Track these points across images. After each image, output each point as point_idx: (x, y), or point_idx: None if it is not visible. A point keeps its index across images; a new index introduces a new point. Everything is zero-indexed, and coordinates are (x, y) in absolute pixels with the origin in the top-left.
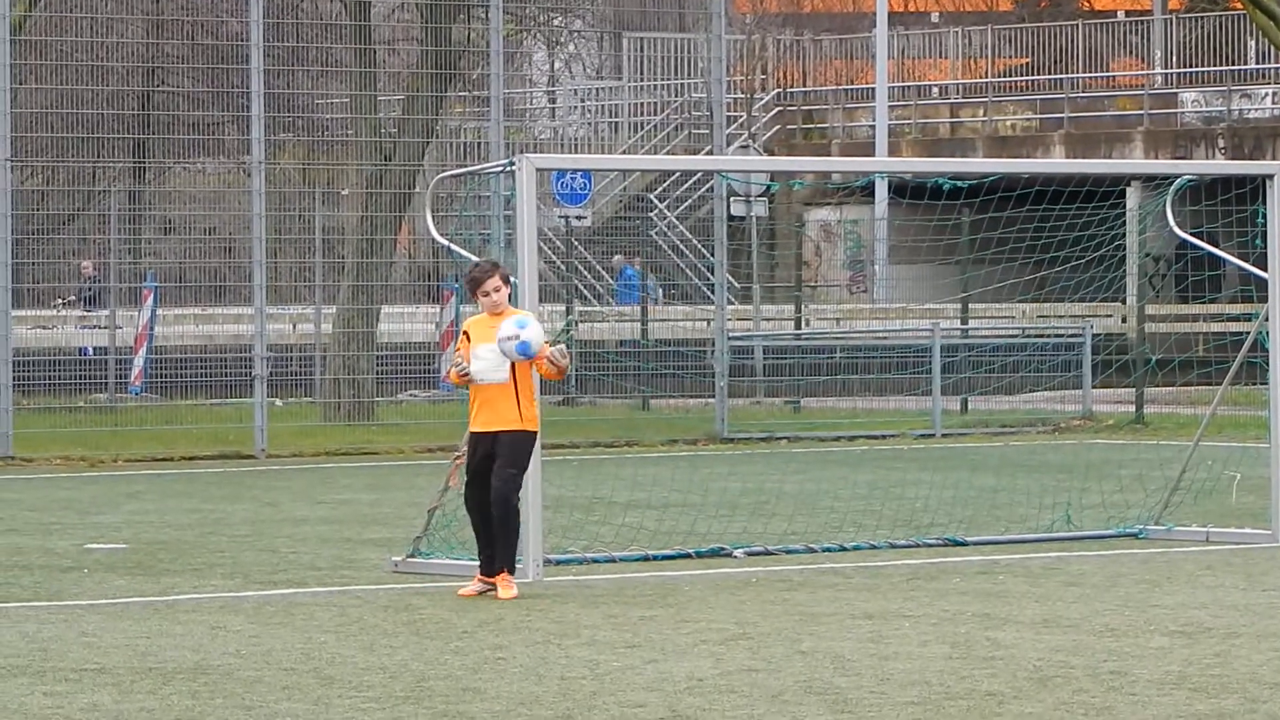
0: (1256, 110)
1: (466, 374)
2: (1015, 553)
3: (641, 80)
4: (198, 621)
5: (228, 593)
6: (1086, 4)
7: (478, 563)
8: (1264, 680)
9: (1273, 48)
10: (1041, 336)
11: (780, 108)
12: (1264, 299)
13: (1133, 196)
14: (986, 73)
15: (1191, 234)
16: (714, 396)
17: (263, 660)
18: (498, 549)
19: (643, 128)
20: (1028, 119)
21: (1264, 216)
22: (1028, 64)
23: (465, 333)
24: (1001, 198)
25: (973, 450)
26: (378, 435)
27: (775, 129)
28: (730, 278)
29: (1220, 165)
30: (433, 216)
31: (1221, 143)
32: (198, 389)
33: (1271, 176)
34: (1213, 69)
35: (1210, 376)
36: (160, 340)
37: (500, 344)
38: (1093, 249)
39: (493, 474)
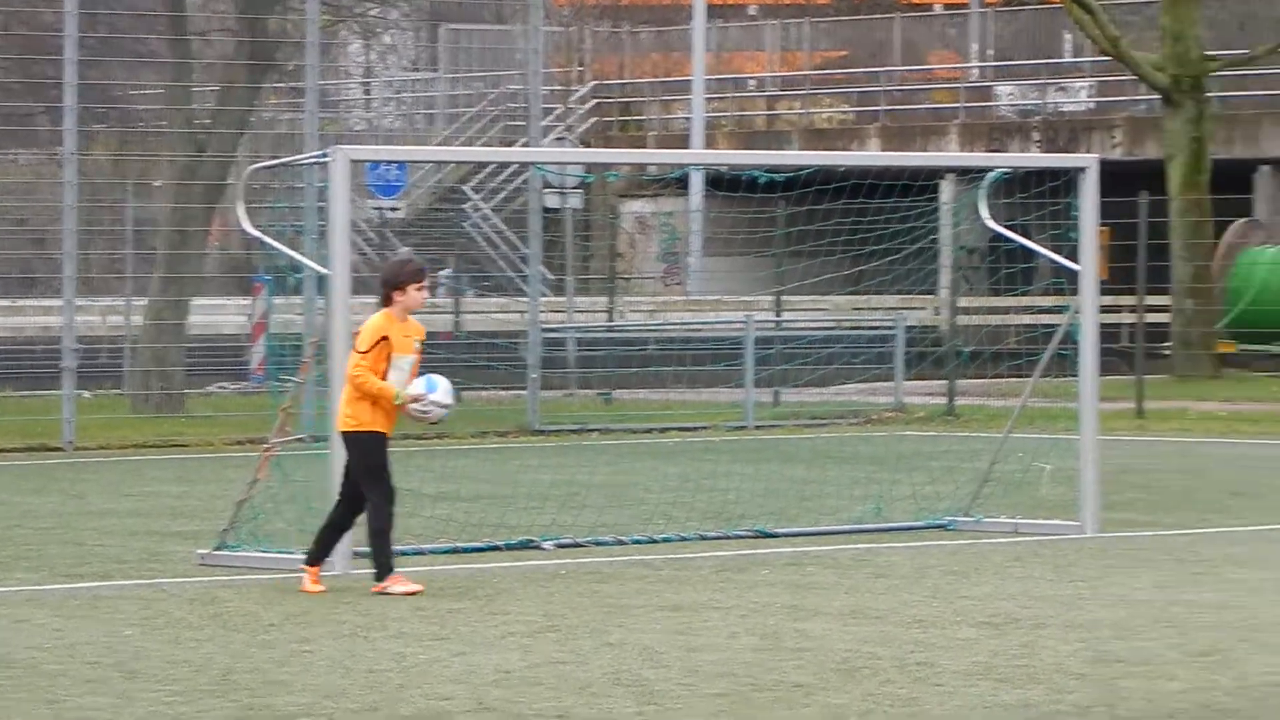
0: (1071, 104)
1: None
2: (824, 544)
3: (458, 72)
4: (1, 615)
5: (32, 586)
6: None
7: (291, 556)
8: (1070, 671)
9: (1088, 41)
10: (855, 329)
11: (597, 100)
12: (1075, 292)
13: (947, 189)
14: (804, 65)
15: (1005, 227)
16: (526, 389)
17: (67, 654)
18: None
19: (458, 119)
20: (844, 112)
21: (1077, 210)
22: (845, 57)
23: (385, 337)
24: (817, 191)
25: (784, 442)
26: (187, 428)
27: (592, 121)
28: (544, 270)
29: (1034, 158)
30: (245, 208)
31: (1036, 136)
32: (5, 381)
33: (1085, 170)
34: (1028, 62)
35: (1021, 369)
36: None
37: (433, 404)
38: (907, 242)
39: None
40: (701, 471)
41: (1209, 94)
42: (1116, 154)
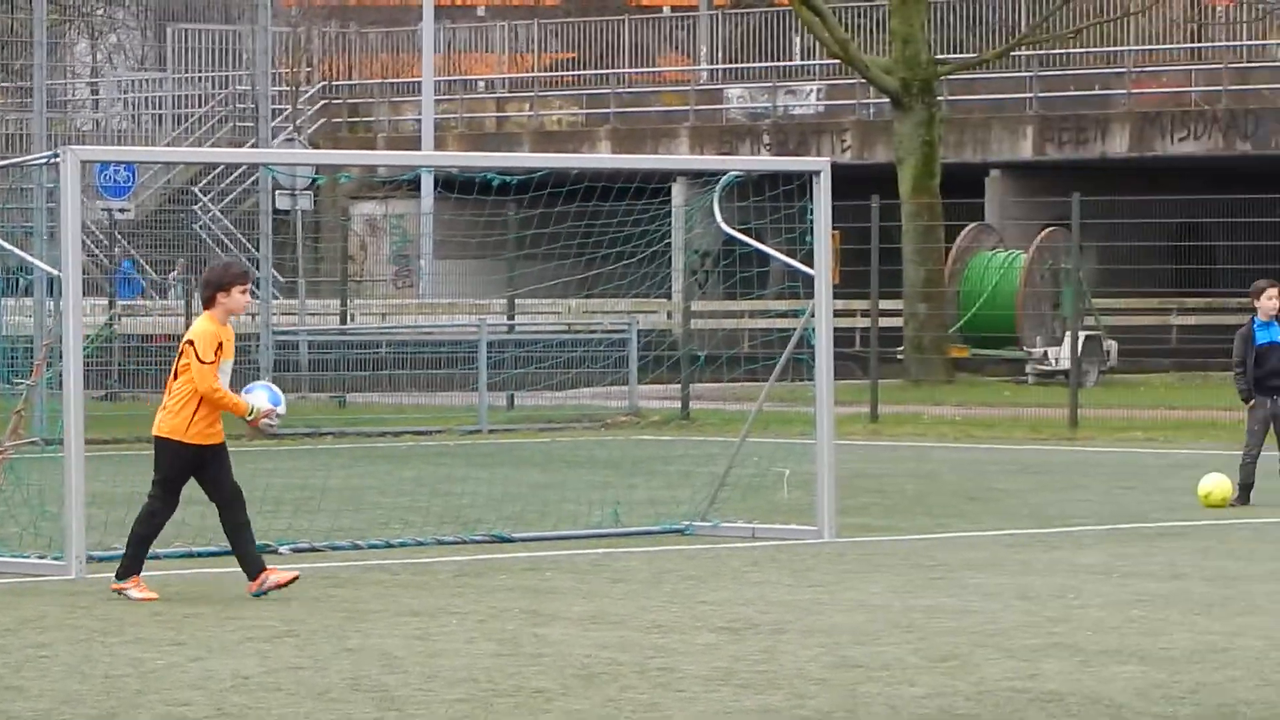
0: (801, 107)
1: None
2: (563, 549)
3: (186, 72)
4: None
5: None
6: None
7: (26, 560)
8: (810, 676)
9: (817, 44)
10: (588, 332)
11: (326, 101)
12: (810, 296)
13: (679, 192)
14: (533, 67)
15: (739, 230)
16: None
17: None
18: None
19: (187, 120)
20: (574, 114)
21: (811, 213)
22: (574, 59)
23: (222, 344)
24: (550, 193)
25: (519, 446)
26: None
27: (321, 122)
28: (275, 272)
29: (768, 162)
30: None
31: (766, 139)
32: None
33: (818, 173)
34: (758, 65)
35: (756, 373)
36: None
37: (271, 419)
38: (641, 245)
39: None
40: (437, 476)
41: (939, 97)
42: (847, 158)
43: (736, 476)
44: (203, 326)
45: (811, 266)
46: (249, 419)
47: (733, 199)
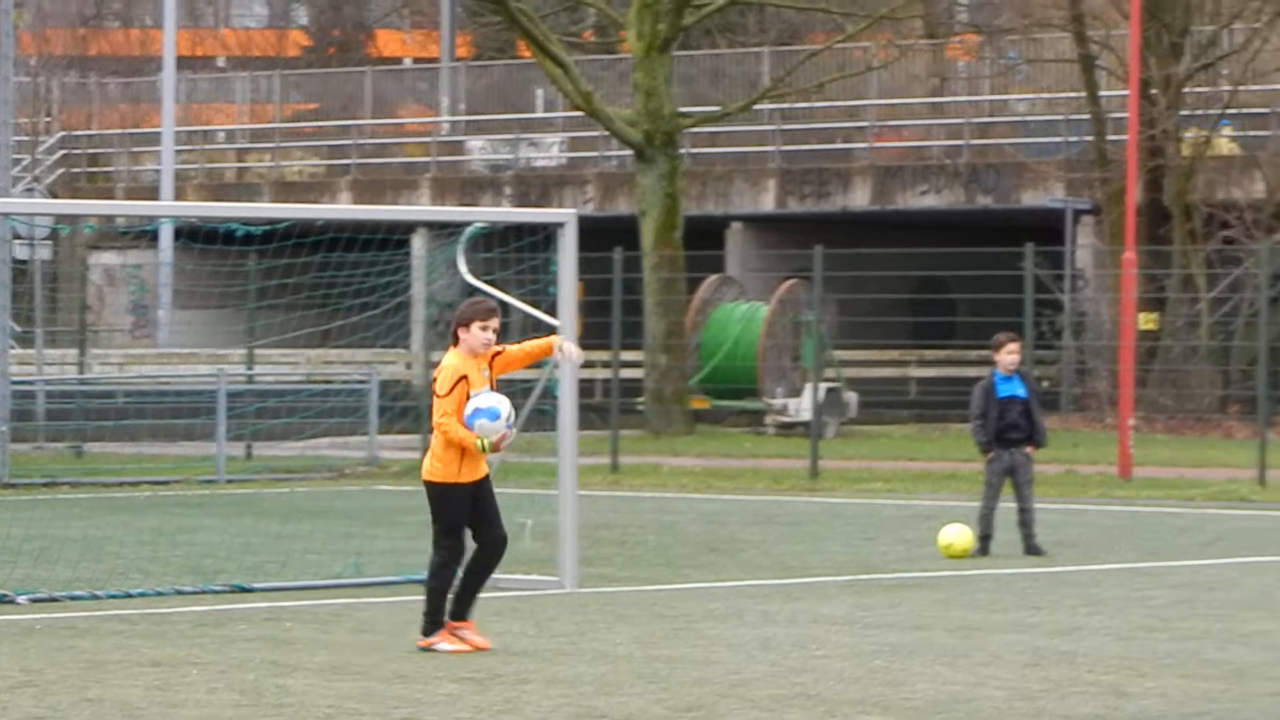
0: (543, 159)
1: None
2: (304, 599)
3: None
4: None
5: None
6: (375, 51)
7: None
8: None
9: (560, 96)
10: (328, 382)
11: (65, 150)
12: None
13: (419, 244)
14: (274, 118)
15: (483, 281)
16: None
17: None
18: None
19: None
20: (315, 164)
21: (555, 264)
22: (316, 109)
23: (464, 377)
24: (291, 244)
25: (258, 496)
26: None
27: (60, 172)
28: (12, 322)
29: (517, 213)
30: None
31: (508, 190)
32: None
33: (563, 225)
34: (500, 117)
35: None
36: None
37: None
38: (384, 296)
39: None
40: (175, 525)
41: (681, 150)
42: (589, 209)
43: None
44: (445, 361)
45: (555, 318)
46: (482, 450)
47: (477, 250)
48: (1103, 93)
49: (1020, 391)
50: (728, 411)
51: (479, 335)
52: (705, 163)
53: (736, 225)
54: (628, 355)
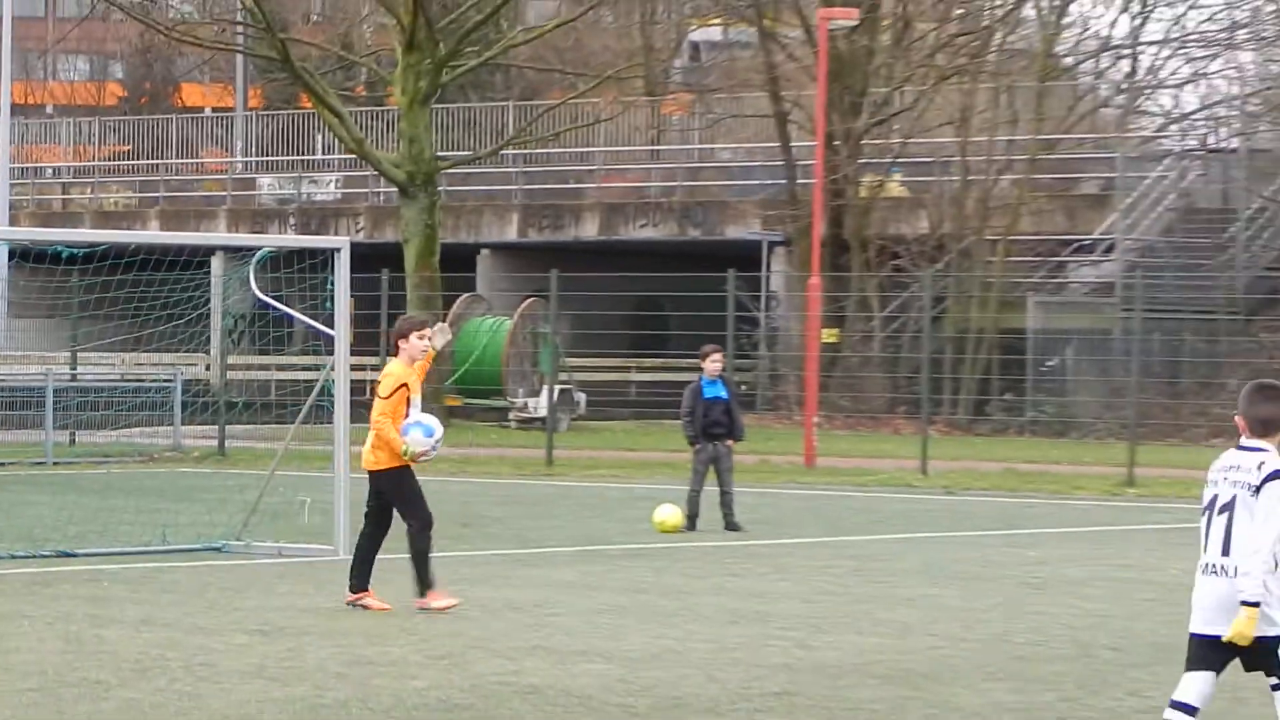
0: (322, 194)
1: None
2: (118, 563)
3: None
4: None
5: None
6: (179, 101)
7: None
8: (330, 671)
9: (337, 140)
10: (140, 381)
11: None
12: (330, 353)
13: (217, 265)
14: (94, 157)
15: (270, 297)
16: None
17: None
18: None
19: None
20: (129, 197)
21: (332, 284)
22: (129, 150)
23: (405, 384)
24: (109, 264)
25: (80, 476)
26: None
27: None
28: None
29: (298, 240)
30: None
31: (293, 220)
32: None
33: (339, 250)
34: (286, 158)
35: (285, 417)
36: None
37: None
38: (187, 309)
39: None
40: (9, 500)
41: (439, 188)
42: (360, 237)
43: (266, 504)
44: (389, 368)
45: (332, 329)
46: (406, 457)
47: (266, 271)
48: (794, 143)
49: (723, 393)
50: (477, 408)
51: (416, 344)
52: (459, 199)
53: (486, 252)
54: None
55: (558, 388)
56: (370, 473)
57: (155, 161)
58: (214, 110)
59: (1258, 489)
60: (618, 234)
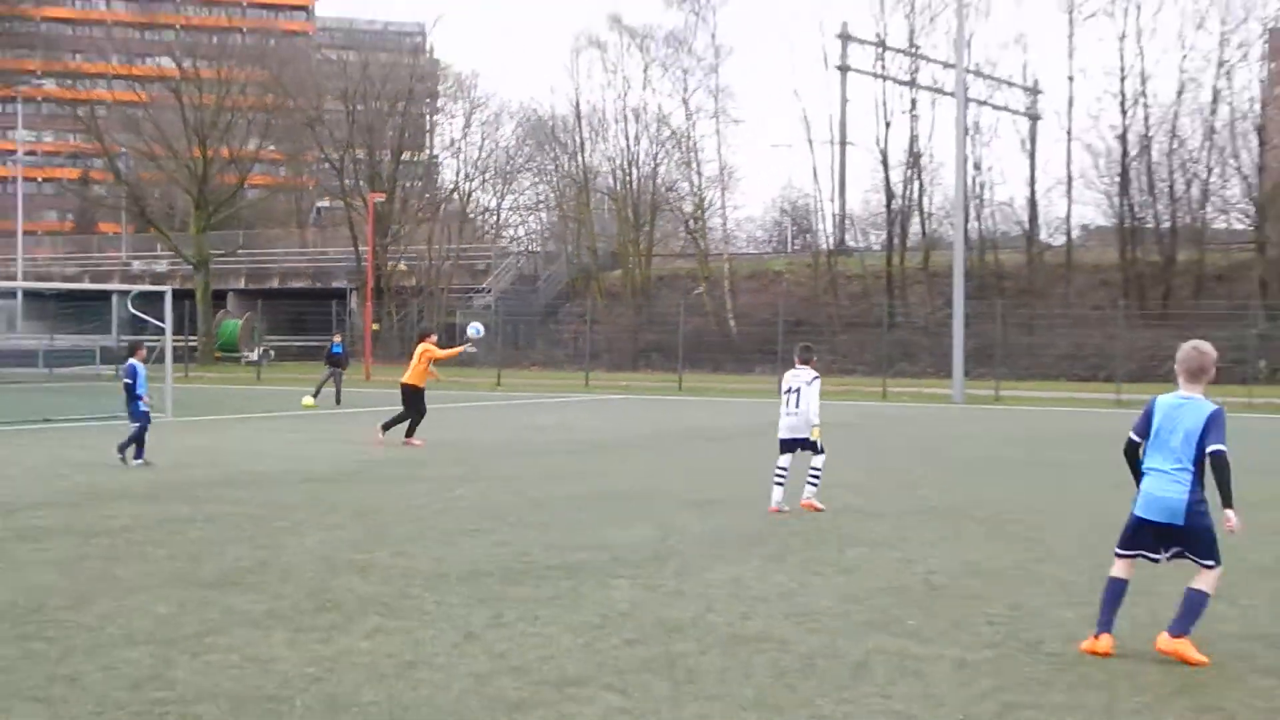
0: (158, 268)
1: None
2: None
3: None
4: None
5: None
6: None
7: None
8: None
9: (165, 246)
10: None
11: None
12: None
13: (115, 300)
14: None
15: (143, 314)
16: None
17: None
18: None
19: None
20: (66, 258)
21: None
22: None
23: (429, 351)
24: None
25: None
26: None
27: None
28: None
29: (148, 288)
30: None
31: (148, 279)
32: None
33: (166, 293)
34: (144, 253)
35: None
36: None
37: (474, 333)
38: (99, 322)
39: None
40: None
41: (210, 265)
42: (177, 285)
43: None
44: (424, 346)
45: (164, 324)
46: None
47: (138, 302)
48: (362, 247)
49: (338, 349)
50: (228, 357)
51: (431, 342)
52: (220, 266)
53: (231, 294)
54: None
55: (259, 349)
56: (402, 385)
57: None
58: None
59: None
60: (288, 284)
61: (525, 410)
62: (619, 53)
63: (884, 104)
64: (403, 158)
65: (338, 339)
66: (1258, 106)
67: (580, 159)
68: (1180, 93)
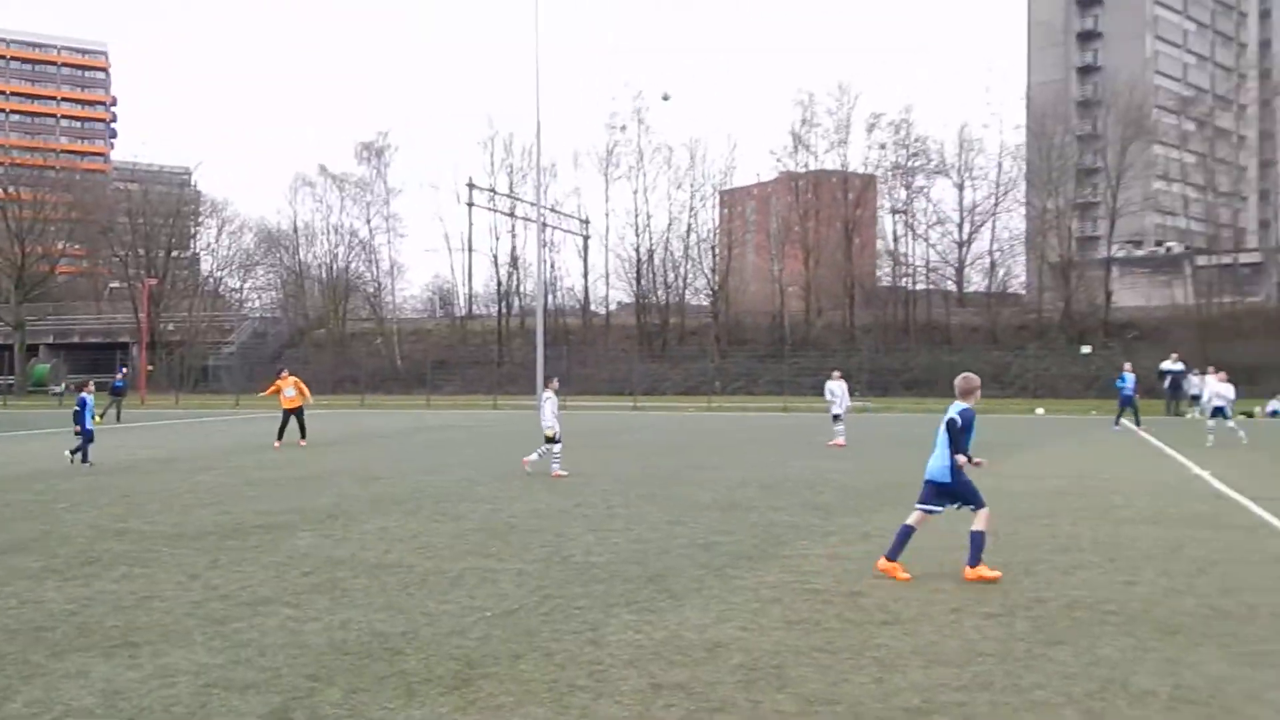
0: None
1: None
2: None
3: None
4: None
5: None
6: None
7: None
8: None
9: None
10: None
11: None
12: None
13: None
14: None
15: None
16: None
17: None
18: None
19: None
20: None
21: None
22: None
23: (279, 384)
24: None
25: None
26: None
27: None
28: None
29: None
30: None
31: None
32: None
33: None
34: None
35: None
36: None
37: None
38: None
39: None
40: None
41: (26, 327)
42: (6, 343)
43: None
44: (287, 381)
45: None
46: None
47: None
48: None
49: (120, 385)
50: (41, 391)
51: (287, 380)
52: (33, 328)
53: (43, 346)
54: None
55: (62, 385)
56: (288, 409)
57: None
58: None
59: None
60: (86, 340)
61: (253, 423)
62: (324, 188)
63: (495, 226)
64: (172, 254)
65: (119, 377)
66: (715, 234)
67: (297, 257)
68: (669, 224)
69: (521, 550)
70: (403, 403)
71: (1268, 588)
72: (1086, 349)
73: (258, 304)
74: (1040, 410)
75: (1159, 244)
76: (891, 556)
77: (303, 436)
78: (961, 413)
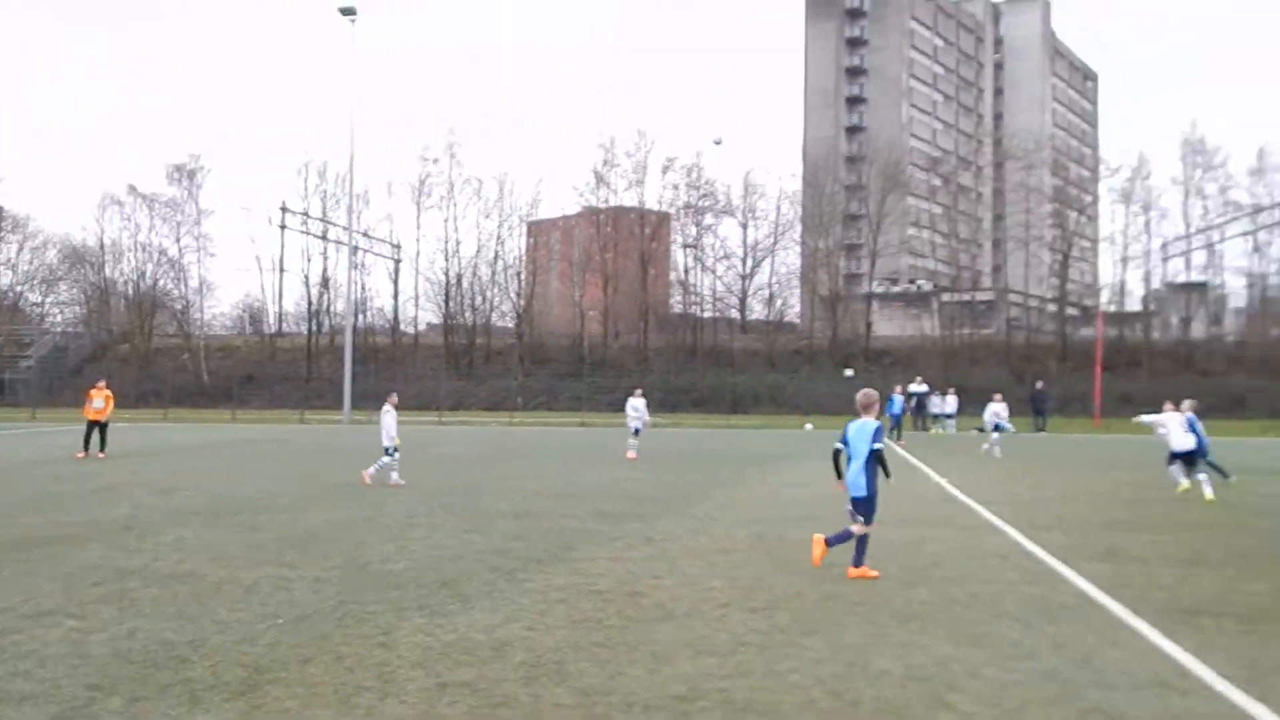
0: None
1: None
2: None
3: None
4: None
5: None
6: None
7: None
8: None
9: None
10: None
11: None
12: None
13: None
14: None
15: None
16: None
17: None
18: None
19: None
20: None
21: None
22: None
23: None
24: None
25: None
26: None
27: None
28: None
29: None
30: None
31: None
32: None
33: None
34: None
35: None
36: None
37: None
38: None
39: None
40: None
41: None
42: None
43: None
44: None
45: None
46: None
47: None
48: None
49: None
50: None
51: (101, 392)
52: None
53: None
54: None
55: None
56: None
57: None
58: None
59: None
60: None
61: (53, 435)
62: (134, 207)
63: (308, 248)
64: None
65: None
66: (521, 261)
67: (103, 273)
68: (478, 251)
69: (319, 559)
70: (208, 417)
71: (988, 579)
72: (849, 372)
73: (60, 319)
74: (809, 425)
75: (911, 282)
76: (856, 563)
77: (103, 448)
78: (877, 429)
